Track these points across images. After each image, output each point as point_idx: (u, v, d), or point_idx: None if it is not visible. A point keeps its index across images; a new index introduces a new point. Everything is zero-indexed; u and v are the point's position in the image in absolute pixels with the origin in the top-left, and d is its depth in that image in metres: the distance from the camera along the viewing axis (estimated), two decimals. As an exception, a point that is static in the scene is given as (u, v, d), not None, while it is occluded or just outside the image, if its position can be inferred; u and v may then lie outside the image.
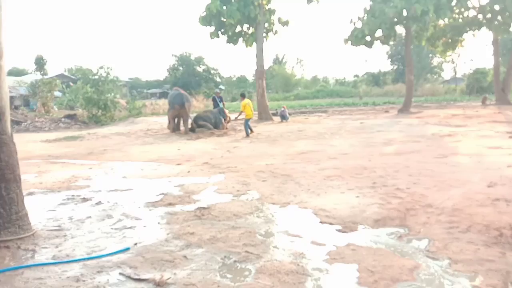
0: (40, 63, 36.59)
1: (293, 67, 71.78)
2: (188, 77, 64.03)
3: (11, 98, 44.15)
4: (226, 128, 16.75)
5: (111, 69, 23.58)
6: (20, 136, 18.01)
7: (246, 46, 21.59)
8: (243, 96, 16.35)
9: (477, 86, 41.02)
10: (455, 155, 9.29)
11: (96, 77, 23.60)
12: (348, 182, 6.96)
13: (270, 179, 7.40)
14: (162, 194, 6.41)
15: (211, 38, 20.65)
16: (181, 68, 68.50)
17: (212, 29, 20.66)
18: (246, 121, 14.93)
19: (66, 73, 59.71)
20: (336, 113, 25.31)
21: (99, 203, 5.93)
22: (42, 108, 33.22)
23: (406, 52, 24.31)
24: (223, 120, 17.07)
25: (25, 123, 21.35)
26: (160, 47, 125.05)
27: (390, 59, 60.60)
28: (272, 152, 10.89)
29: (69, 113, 25.66)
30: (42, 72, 32.37)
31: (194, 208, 5.53)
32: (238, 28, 21.28)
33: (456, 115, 19.35)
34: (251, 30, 21.35)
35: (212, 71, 69.52)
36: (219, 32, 20.77)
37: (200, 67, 68.69)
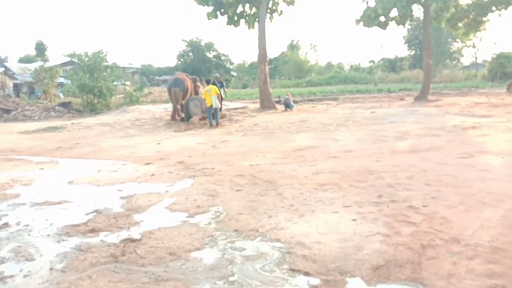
0: (40, 49, 35.41)
1: (306, 53, 69.57)
2: (198, 63, 62.47)
3: (19, 85, 43.56)
4: (220, 118, 15.13)
5: (106, 54, 22.06)
6: (3, 125, 16.80)
7: (249, 28, 19.77)
8: (207, 82, 15.06)
9: (500, 72, 38.28)
10: (483, 154, 7.52)
11: (91, 62, 22.11)
12: (346, 194, 5.31)
13: (248, 188, 5.80)
14: (95, 211, 4.88)
15: (209, 18, 18.88)
16: (191, 54, 66.95)
17: (209, 9, 18.90)
18: (208, 109, 13.66)
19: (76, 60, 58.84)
20: (347, 101, 23.38)
21: (2, 226, 4.42)
22: (44, 95, 32.19)
23: (425, 34, 22.12)
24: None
25: (15, 112, 20.11)
26: (172, 33, 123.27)
27: (407, 44, 57.81)
28: (264, 148, 9.26)
29: (63, 101, 24.36)
30: (43, 58, 31.12)
31: (120, 239, 3.97)
32: (240, 9, 19.47)
33: (480, 104, 17.26)
34: (253, 10, 19.50)
35: (222, 57, 67.74)
36: (218, 13, 18.99)
37: (210, 53, 67.01)
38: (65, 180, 6.64)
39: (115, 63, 24.43)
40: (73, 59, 23.65)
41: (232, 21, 19.43)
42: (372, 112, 14.89)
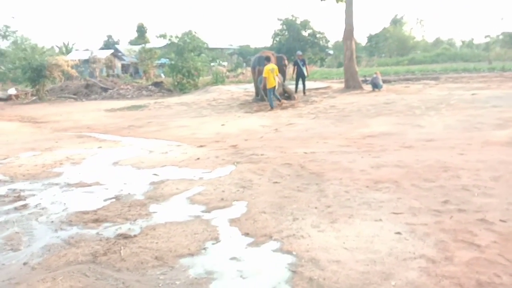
0: (141, 31, 37.73)
1: (411, 28, 64.20)
2: (293, 42, 61.34)
3: (126, 66, 47.23)
4: (295, 99, 14.33)
5: (194, 34, 22.37)
6: (98, 103, 18.07)
7: (337, 2, 18.38)
8: (267, 60, 13.18)
9: None
10: None
11: (181, 43, 22.66)
12: (403, 196, 4.29)
13: (288, 180, 5.06)
14: (115, 198, 4.59)
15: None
16: (286, 33, 66.14)
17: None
18: (269, 91, 12.35)
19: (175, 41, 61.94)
20: (450, 80, 20.66)
21: (20, 207, 4.34)
22: (144, 75, 34.35)
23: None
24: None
25: (111, 90, 21.57)
26: (269, 12, 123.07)
27: (534, 15, 49.75)
28: (330, 133, 8.32)
29: (156, 80, 25.53)
30: (143, 40, 33.16)
31: (117, 233, 3.57)
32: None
33: None
34: (342, -18, 17.99)
35: (318, 35, 65.74)
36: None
37: (305, 31, 65.44)
38: (112, 160, 6.57)
39: (206, 44, 24.71)
40: (167, 40, 24.41)
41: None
42: (473, 94, 12.75)
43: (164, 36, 22.27)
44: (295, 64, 16.83)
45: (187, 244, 3.32)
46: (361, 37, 62.27)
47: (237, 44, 74.89)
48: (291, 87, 16.46)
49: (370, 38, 64.77)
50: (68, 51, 47.04)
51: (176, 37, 22.88)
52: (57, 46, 45.19)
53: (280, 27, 67.92)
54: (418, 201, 4.13)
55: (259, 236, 3.45)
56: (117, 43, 61.53)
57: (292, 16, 66.73)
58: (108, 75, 36.53)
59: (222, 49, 62.16)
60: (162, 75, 36.93)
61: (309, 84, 18.12)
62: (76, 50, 46.79)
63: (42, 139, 9.00)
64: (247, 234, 3.51)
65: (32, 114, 14.96)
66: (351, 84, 17.21)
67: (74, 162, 6.52)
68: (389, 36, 58.88)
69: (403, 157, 5.96)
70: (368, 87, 17.04)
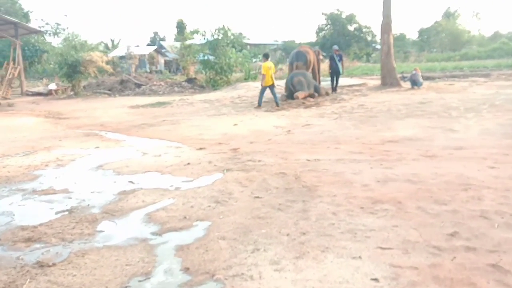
0: (181, 27, 37.79)
1: (466, 21, 60.26)
2: (337, 37, 59.59)
3: (168, 62, 47.82)
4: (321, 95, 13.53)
5: (228, 30, 21.81)
6: (129, 99, 18.04)
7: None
8: (266, 57, 12.84)
9: None
10: None
11: (212, 39, 22.24)
12: (400, 223, 3.46)
13: (273, 194, 4.34)
14: (68, 210, 4.09)
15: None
16: (330, 28, 64.41)
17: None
18: (263, 89, 12.13)
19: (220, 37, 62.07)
20: (502, 78, 18.76)
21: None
22: (183, 71, 34.42)
23: None
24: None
25: (144, 86, 21.57)
26: (314, 7, 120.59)
27: None
28: (346, 136, 7.45)
29: (190, 77, 25.31)
30: (182, 36, 33.18)
31: (37, 259, 3.03)
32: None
33: None
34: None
35: (364, 30, 63.43)
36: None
37: (351, 26, 63.33)
38: (98, 163, 6.12)
39: (240, 37, 24.09)
40: (199, 35, 24.07)
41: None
42: (525, 93, 11.28)
43: (196, 32, 21.95)
44: (331, 59, 15.83)
45: (107, 281, 2.72)
46: (411, 32, 59.37)
47: (282, 40, 73.84)
48: (325, 84, 15.53)
49: (421, 32, 61.69)
50: (114, 47, 48.33)
51: (205, 33, 22.45)
52: (103, 43, 46.41)
53: (325, 21, 66.34)
54: (418, 231, 3.28)
55: (200, 274, 2.78)
56: (163, 39, 62.58)
57: (337, 10, 64.82)
58: (151, 71, 36.97)
59: (265, 45, 61.51)
60: (203, 71, 36.85)
61: (344, 81, 17.07)
62: (120, 46, 47.96)
63: (49, 136, 8.81)
64: (187, 270, 2.85)
65: (61, 109, 15.08)
66: (388, 81, 15.97)
67: (60, 164, 6.15)
68: (441, 30, 55.71)
69: (419, 169, 5.04)
70: (407, 85, 15.76)
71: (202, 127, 9.24)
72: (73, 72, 20.33)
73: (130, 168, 5.76)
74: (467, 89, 14.05)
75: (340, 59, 15.88)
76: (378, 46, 66.44)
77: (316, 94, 13.49)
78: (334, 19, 63.94)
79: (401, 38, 60.66)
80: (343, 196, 4.21)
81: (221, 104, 13.54)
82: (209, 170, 5.48)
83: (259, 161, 5.83)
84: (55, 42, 47.90)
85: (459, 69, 23.75)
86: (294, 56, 14.62)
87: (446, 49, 53.54)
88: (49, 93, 22.23)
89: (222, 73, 22.45)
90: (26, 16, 44.93)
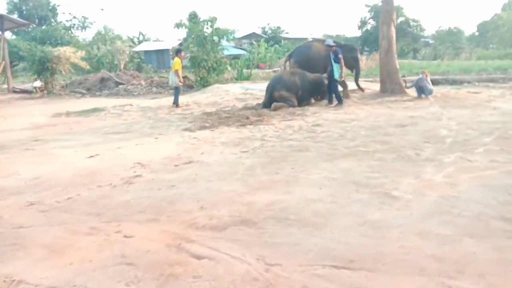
0: (193, 19, 35.30)
1: (532, 13, 52.93)
2: (380, 32, 54.64)
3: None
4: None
5: (215, 22, 18.81)
6: (89, 100, 15.67)
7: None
8: (178, 52, 12.79)
9: None
10: None
11: (204, 32, 19.33)
12: None
13: None
14: None
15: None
16: (373, 22, 59.30)
17: None
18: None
19: (258, 32, 59.11)
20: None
21: None
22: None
23: None
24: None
25: (121, 86, 19.17)
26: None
27: None
28: (191, 201, 4.26)
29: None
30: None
31: None
32: None
33: None
34: None
35: (411, 23, 57.73)
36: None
37: (397, 19, 57.66)
38: None
39: (233, 31, 20.63)
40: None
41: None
42: None
43: (179, 25, 19.09)
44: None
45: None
46: (470, 26, 53.23)
47: (322, 34, 69.15)
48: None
49: (480, 26, 55.53)
50: (140, 41, 46.95)
51: (199, 25, 19.57)
52: (128, 37, 45.06)
53: (368, 14, 61.33)
54: None
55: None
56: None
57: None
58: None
59: (301, 39, 57.79)
60: (228, 67, 34.11)
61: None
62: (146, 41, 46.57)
63: None
64: None
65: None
66: (389, 87, 12.14)
67: None
68: (501, 23, 49.34)
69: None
70: (413, 91, 11.90)
71: (44, 162, 6.36)
72: (42, 69, 18.36)
73: None
74: (490, 102, 10.09)
75: (337, 58, 11.74)
76: (429, 41, 60.48)
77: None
78: (379, 12, 58.54)
79: (453, 32, 54.64)
80: None
81: (154, 115, 10.60)
82: None
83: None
84: (83, 36, 47.39)
85: (502, 70, 19.09)
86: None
87: (508, 45, 46.95)
88: (36, 91, 20.48)
89: (212, 71, 19.56)
90: (53, 10, 44.65)
